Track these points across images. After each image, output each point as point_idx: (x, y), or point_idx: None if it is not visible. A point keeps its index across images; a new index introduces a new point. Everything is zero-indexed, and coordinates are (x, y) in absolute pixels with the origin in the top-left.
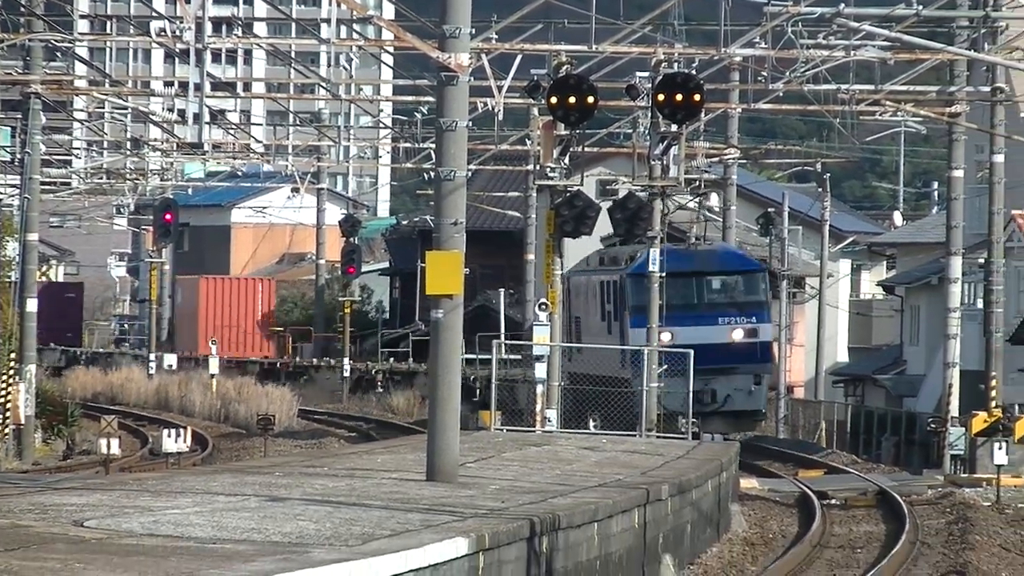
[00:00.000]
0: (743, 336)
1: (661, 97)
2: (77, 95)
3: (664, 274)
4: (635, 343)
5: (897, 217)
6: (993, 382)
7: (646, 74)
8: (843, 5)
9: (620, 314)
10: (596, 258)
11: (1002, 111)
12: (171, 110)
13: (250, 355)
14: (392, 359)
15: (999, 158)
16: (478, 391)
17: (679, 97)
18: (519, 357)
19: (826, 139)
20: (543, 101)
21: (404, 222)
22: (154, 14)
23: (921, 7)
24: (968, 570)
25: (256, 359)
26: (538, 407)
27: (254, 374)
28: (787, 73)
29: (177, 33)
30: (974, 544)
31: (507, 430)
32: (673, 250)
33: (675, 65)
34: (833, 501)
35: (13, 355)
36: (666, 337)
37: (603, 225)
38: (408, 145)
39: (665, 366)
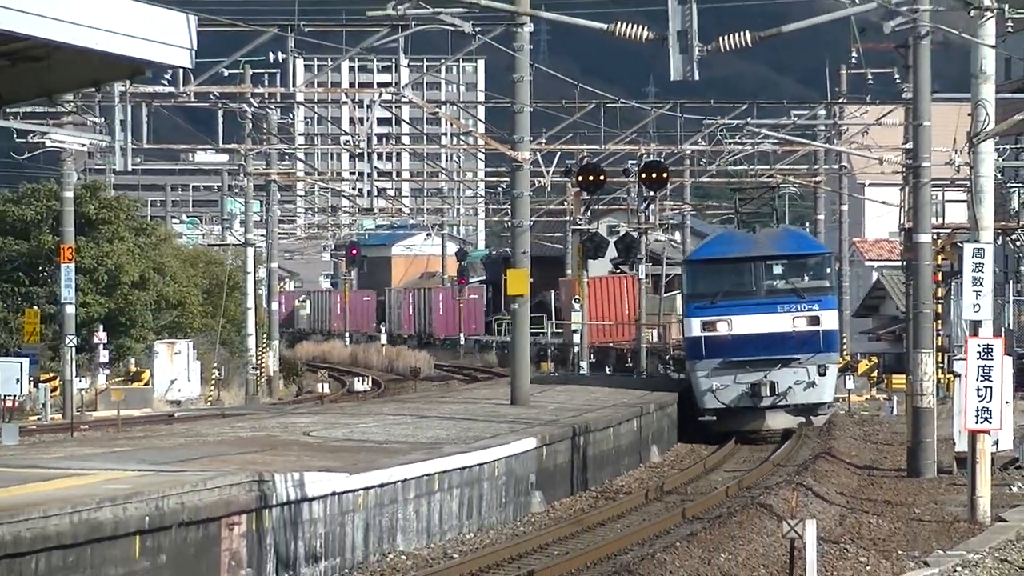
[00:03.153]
0: (805, 324)
1: (643, 175)
2: (298, 181)
3: (723, 260)
4: (689, 334)
5: None
6: (844, 340)
7: (634, 161)
8: (749, 118)
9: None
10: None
11: (846, 180)
12: (354, 188)
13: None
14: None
15: (844, 207)
16: (541, 351)
17: (654, 175)
18: (561, 331)
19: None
20: (573, 179)
21: (493, 252)
22: (343, 131)
23: (796, 119)
24: (832, 450)
25: (407, 335)
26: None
27: (408, 344)
28: (717, 160)
29: (356, 142)
30: (836, 436)
31: (557, 374)
32: (735, 235)
33: (651, 156)
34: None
35: (265, 336)
36: (722, 327)
37: (611, 251)
38: (495, 206)
39: (719, 359)
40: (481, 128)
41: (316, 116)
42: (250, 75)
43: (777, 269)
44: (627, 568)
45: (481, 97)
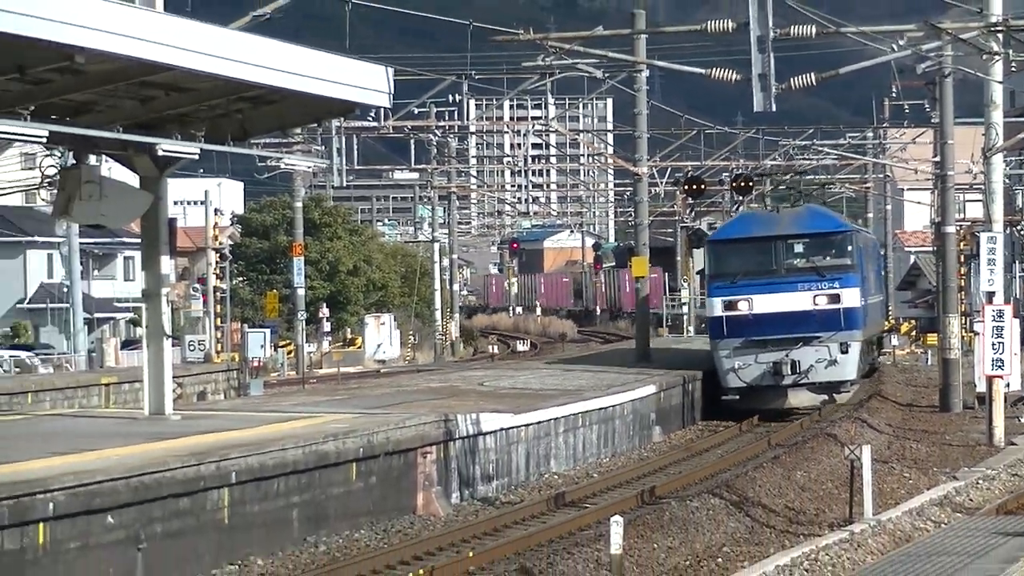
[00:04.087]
0: (826, 302)
1: (734, 184)
2: (471, 192)
3: (743, 239)
4: (711, 313)
5: None
6: (890, 309)
7: (727, 173)
8: (814, 140)
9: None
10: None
11: (889, 185)
12: (514, 197)
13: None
14: None
15: (888, 207)
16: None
17: (742, 184)
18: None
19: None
20: (681, 187)
21: (621, 244)
22: (505, 154)
23: (850, 140)
24: (881, 392)
25: (556, 308)
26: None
27: (558, 315)
28: (790, 172)
29: (516, 162)
30: (884, 381)
31: (671, 336)
32: (757, 215)
33: (740, 169)
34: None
35: (448, 309)
36: (743, 306)
37: None
38: (621, 208)
39: (740, 338)
40: (610, 150)
41: (485, 142)
42: (434, 112)
43: (798, 248)
44: (727, 483)
45: (610, 126)
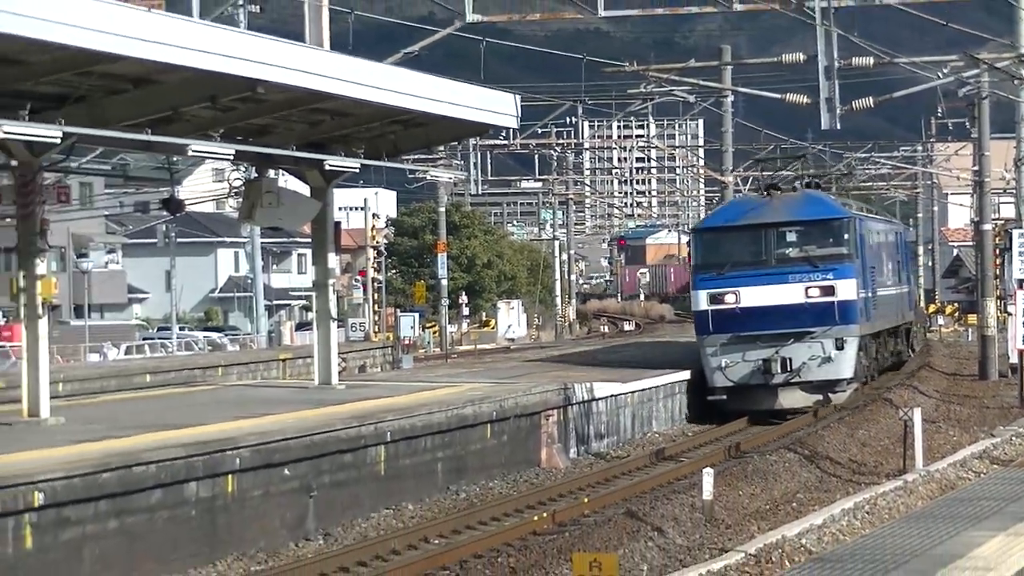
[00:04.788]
0: (819, 294)
1: (806, 186)
2: (586, 198)
3: (730, 227)
4: (696, 307)
5: None
6: (936, 292)
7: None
8: (872, 152)
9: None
10: None
11: (935, 190)
12: (622, 203)
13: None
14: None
15: (935, 208)
16: None
17: (814, 187)
18: None
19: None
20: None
21: None
22: (614, 166)
23: (902, 152)
24: (930, 363)
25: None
26: None
27: (658, 299)
28: (853, 179)
29: (623, 173)
30: (932, 355)
31: None
32: (748, 201)
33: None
34: None
35: (567, 296)
36: (730, 299)
37: None
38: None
39: (727, 334)
40: (701, 162)
41: (596, 156)
42: (554, 131)
43: (791, 236)
44: (800, 440)
45: (701, 142)
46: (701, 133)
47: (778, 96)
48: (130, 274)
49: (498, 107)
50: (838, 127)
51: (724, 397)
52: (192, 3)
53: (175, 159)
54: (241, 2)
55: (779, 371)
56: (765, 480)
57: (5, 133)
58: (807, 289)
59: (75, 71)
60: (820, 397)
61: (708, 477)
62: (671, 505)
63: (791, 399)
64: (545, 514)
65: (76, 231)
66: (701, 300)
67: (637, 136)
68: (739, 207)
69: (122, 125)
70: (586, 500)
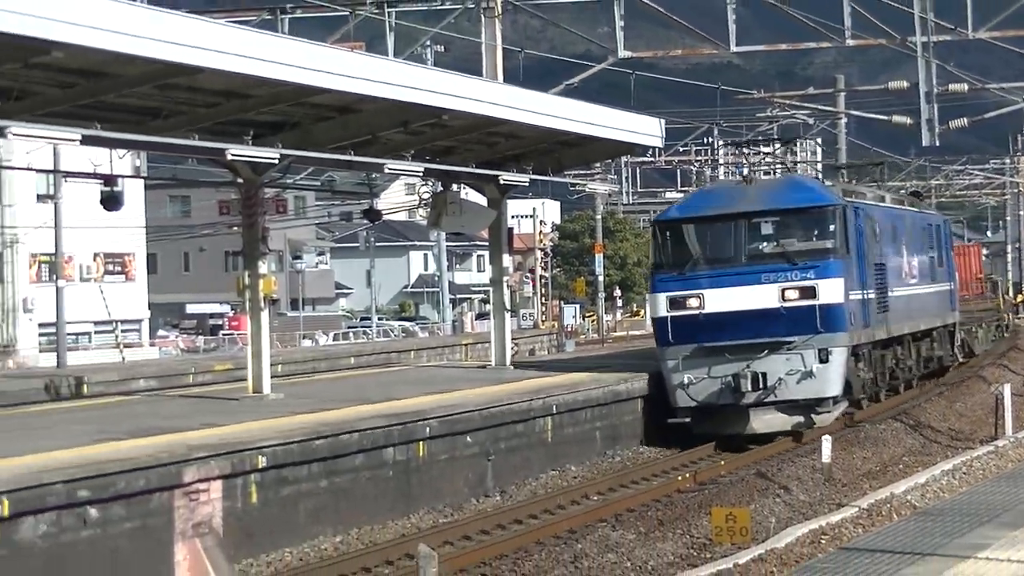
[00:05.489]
0: (797, 297)
1: (911, 195)
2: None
3: (694, 219)
4: (655, 313)
5: None
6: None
7: (904, 191)
8: (967, 165)
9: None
10: None
11: (1021, 197)
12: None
13: None
14: None
15: (1021, 212)
16: None
17: (918, 198)
18: None
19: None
20: None
21: None
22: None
23: (993, 163)
24: (1017, 345)
25: None
26: None
27: None
28: (950, 189)
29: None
30: (1020, 337)
31: None
32: (719, 189)
33: (914, 187)
34: None
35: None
36: (693, 303)
37: None
38: None
39: (691, 345)
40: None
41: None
42: (693, 150)
43: (765, 228)
44: (905, 411)
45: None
46: (819, 151)
47: (885, 118)
48: (337, 273)
49: (645, 129)
50: (937, 144)
51: (688, 419)
52: (388, 44)
53: (374, 176)
54: (429, 43)
55: (750, 389)
56: (876, 445)
57: (233, 156)
58: (783, 291)
59: (290, 103)
60: (801, 419)
61: (827, 443)
62: (795, 467)
63: (765, 422)
64: (688, 474)
65: (292, 237)
66: (660, 305)
67: (765, 153)
68: (709, 196)
69: (329, 147)
70: (722, 463)
